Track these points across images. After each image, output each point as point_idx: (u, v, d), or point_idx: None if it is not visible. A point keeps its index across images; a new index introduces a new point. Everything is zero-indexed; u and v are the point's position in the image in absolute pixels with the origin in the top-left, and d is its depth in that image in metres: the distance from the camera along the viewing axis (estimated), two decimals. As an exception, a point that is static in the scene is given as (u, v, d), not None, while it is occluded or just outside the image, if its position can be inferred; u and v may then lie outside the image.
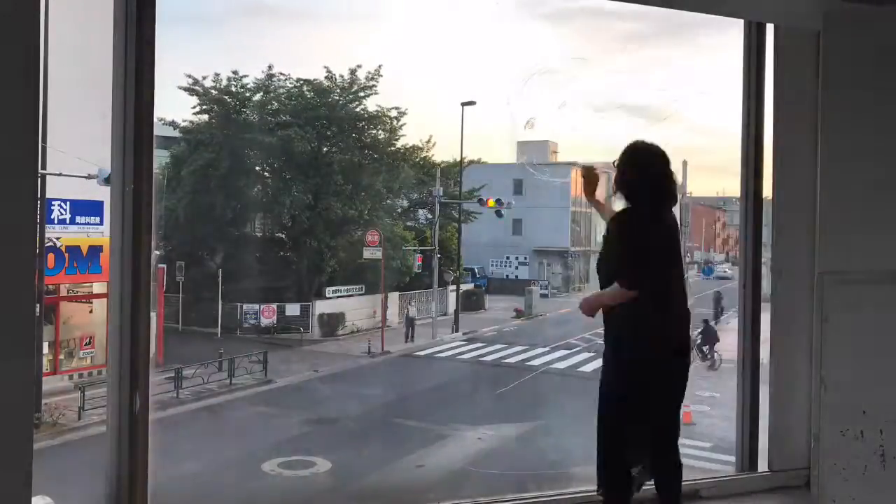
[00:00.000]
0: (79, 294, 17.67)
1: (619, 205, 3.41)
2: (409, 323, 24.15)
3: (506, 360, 21.92)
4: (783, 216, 4.05)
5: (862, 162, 3.61)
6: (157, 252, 19.73)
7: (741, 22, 4.05)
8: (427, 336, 24.20)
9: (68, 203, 16.76)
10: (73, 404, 15.15)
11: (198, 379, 17.61)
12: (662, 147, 3.31)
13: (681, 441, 3.37)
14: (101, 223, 16.73)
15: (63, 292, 17.41)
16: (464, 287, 28.10)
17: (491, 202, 25.97)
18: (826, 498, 3.56)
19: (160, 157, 22.42)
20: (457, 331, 25.07)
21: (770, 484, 3.94)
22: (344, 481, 13.20)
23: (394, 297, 25.64)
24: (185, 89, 23.90)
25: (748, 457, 4.03)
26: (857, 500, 3.52)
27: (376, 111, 25.56)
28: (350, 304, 24.82)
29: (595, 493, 3.44)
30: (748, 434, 4.03)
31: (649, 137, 3.37)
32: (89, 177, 14.57)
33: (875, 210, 3.59)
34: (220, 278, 23.14)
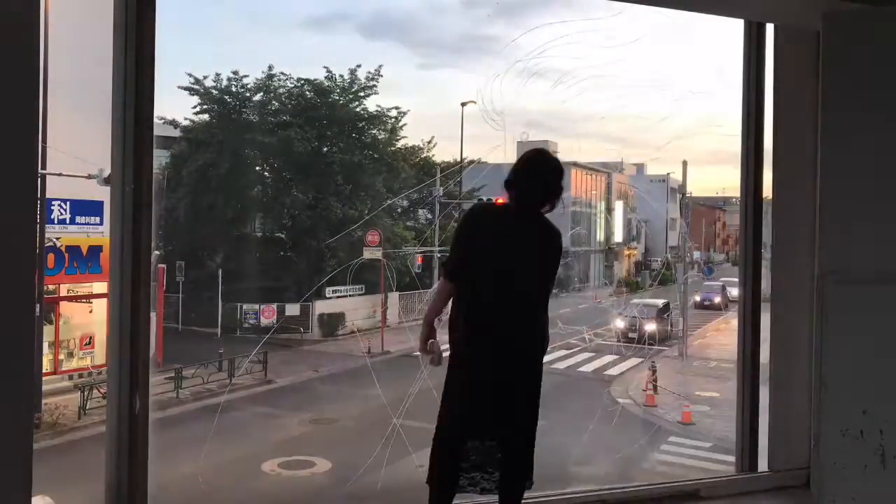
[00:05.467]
0: (79, 294, 17.66)
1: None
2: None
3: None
4: (783, 216, 4.05)
5: (862, 162, 3.61)
6: (157, 252, 19.72)
7: (741, 22, 4.05)
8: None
9: (68, 203, 16.76)
10: (73, 404, 15.15)
11: (198, 379, 17.60)
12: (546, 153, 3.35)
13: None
14: (101, 223, 16.74)
15: (63, 292, 17.40)
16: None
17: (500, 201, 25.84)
18: (826, 498, 3.55)
19: (160, 157, 22.43)
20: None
21: (770, 484, 3.94)
22: (344, 481, 13.19)
23: (394, 297, 25.63)
24: (185, 89, 23.97)
25: (748, 457, 4.03)
26: (857, 500, 3.52)
27: (376, 111, 25.64)
28: (350, 304, 24.82)
29: (594, 493, 3.44)
30: (748, 434, 4.03)
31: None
32: (89, 177, 14.58)
33: (875, 210, 3.59)
34: (220, 278, 23.14)
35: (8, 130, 2.24)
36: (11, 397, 2.25)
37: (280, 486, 12.97)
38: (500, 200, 3.32)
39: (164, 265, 20.75)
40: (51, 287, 16.77)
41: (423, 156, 27.81)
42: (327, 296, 24.45)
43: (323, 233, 24.22)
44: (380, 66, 25.32)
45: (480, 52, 40.22)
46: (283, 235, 25.66)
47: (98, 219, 16.97)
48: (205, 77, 24.20)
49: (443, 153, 29.92)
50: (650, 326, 23.18)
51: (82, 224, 17.13)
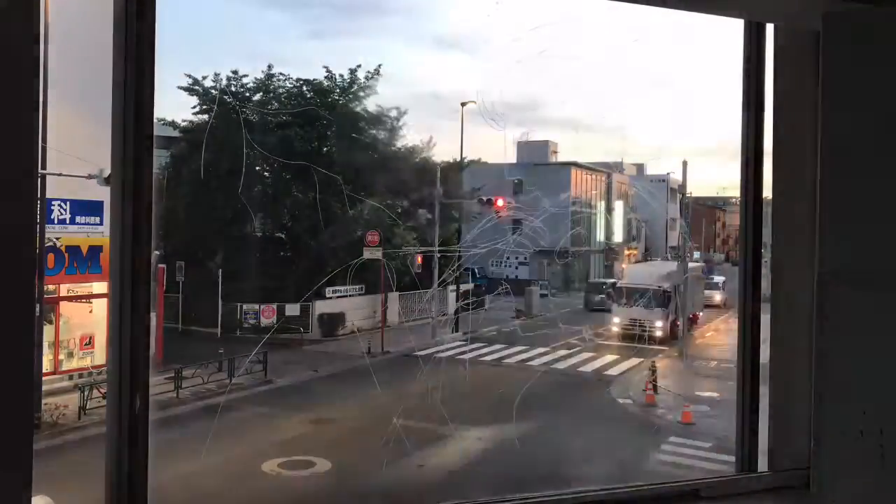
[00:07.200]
0: (79, 294, 17.67)
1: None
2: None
3: (506, 361, 21.95)
4: (783, 216, 4.05)
5: (862, 162, 3.61)
6: (157, 252, 19.74)
7: (740, 22, 4.05)
8: (426, 336, 24.21)
9: (68, 203, 16.77)
10: (73, 404, 15.16)
11: (198, 379, 17.62)
12: None
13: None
14: (101, 223, 16.75)
15: (63, 292, 17.41)
16: (463, 287, 28.12)
17: (500, 202, 25.79)
18: (826, 498, 3.56)
19: (160, 157, 22.46)
20: (456, 331, 25.08)
21: (770, 484, 3.94)
22: (344, 481, 13.21)
23: (394, 297, 25.64)
24: (185, 89, 24.01)
25: (748, 457, 4.03)
26: (857, 500, 3.52)
27: (376, 111, 25.70)
28: (350, 304, 24.83)
29: (593, 493, 3.44)
30: (748, 434, 4.03)
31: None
32: (89, 177, 14.58)
33: (875, 210, 3.59)
34: (220, 278, 23.15)
35: (8, 130, 2.24)
36: (11, 397, 2.25)
37: (280, 486, 12.98)
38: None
39: (164, 265, 20.77)
40: (51, 287, 16.78)
41: (422, 156, 27.84)
42: (327, 296, 24.46)
43: (323, 233, 24.25)
44: (379, 66, 25.41)
45: (379, 13, 36.34)
46: (283, 235, 25.67)
47: (98, 219, 16.98)
48: (204, 77, 24.27)
49: (443, 153, 29.91)
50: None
51: (82, 224, 17.14)
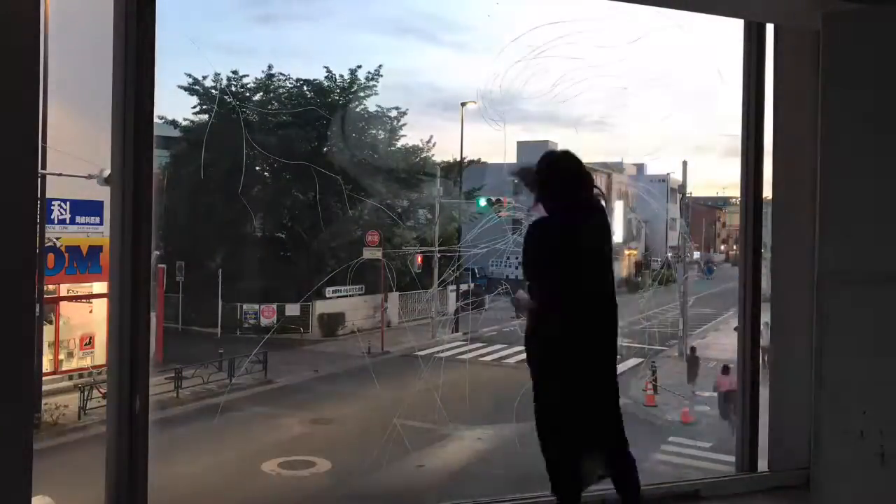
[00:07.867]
0: (79, 294, 17.66)
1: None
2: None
3: (506, 360, 21.95)
4: (783, 216, 4.05)
5: (862, 162, 3.61)
6: (157, 252, 19.73)
7: (741, 22, 4.06)
8: (426, 336, 24.19)
9: (68, 203, 16.76)
10: (73, 404, 15.15)
11: (198, 379, 17.61)
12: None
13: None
14: (101, 223, 16.75)
15: (63, 292, 17.40)
16: (463, 287, 28.09)
17: (505, 201, 25.69)
18: (826, 498, 3.55)
19: (160, 157, 22.46)
20: (456, 331, 25.06)
21: (770, 484, 3.95)
22: (344, 481, 13.19)
23: (394, 297, 25.63)
24: (185, 89, 24.02)
25: (748, 457, 4.03)
26: (857, 500, 3.52)
27: (376, 111, 25.70)
28: (350, 304, 24.82)
29: (594, 493, 3.44)
30: (748, 434, 4.03)
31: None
32: (89, 177, 14.57)
33: (875, 210, 3.59)
34: (220, 278, 23.15)
35: (8, 130, 2.24)
36: (11, 397, 2.25)
37: (280, 486, 12.97)
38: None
39: (164, 265, 20.76)
40: (51, 287, 16.77)
41: (422, 156, 27.83)
42: (327, 296, 24.45)
43: (323, 233, 24.24)
44: (379, 66, 25.41)
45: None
46: (283, 235, 25.67)
47: (98, 219, 16.97)
48: (204, 77, 24.28)
49: (443, 153, 29.83)
50: None
51: (82, 224, 17.13)
